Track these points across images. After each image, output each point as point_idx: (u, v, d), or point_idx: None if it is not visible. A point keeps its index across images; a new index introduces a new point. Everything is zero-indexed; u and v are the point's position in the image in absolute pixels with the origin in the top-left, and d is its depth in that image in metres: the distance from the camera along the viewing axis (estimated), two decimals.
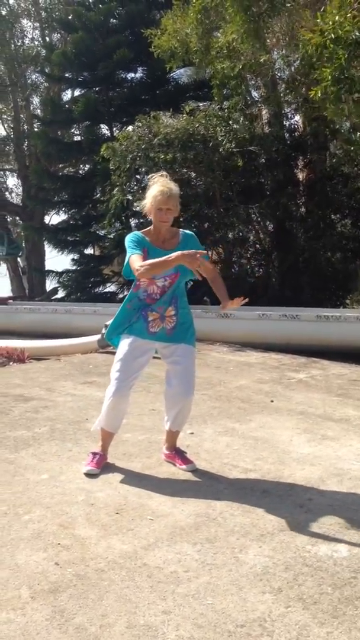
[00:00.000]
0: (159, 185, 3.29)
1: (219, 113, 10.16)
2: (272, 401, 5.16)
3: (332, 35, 6.07)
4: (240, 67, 8.86)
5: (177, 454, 3.60)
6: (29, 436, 4.11)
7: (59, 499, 3.07)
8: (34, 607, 2.17)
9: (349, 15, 6.07)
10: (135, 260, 3.22)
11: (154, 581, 2.34)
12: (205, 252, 3.28)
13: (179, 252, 3.10)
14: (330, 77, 6.17)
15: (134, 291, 3.42)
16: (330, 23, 6.13)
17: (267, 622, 2.09)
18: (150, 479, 3.38)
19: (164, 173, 3.45)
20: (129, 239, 3.36)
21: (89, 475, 3.37)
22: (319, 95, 6.37)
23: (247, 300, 3.25)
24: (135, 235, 3.37)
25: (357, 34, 5.98)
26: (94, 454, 3.51)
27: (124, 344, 3.38)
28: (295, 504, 3.05)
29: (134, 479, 3.37)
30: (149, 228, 3.42)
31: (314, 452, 3.84)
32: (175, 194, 3.28)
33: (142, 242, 3.33)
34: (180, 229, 3.50)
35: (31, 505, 3.00)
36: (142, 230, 3.43)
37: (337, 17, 6.11)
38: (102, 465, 3.47)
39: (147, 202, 3.30)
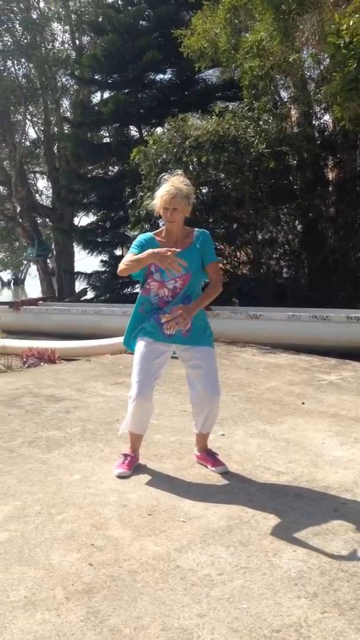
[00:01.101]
0: (167, 184, 3.29)
1: (249, 114, 10.11)
2: (303, 403, 5.12)
3: (346, 40, 6.00)
4: (270, 66, 8.80)
5: (208, 456, 3.58)
6: (60, 436, 4.13)
7: (92, 500, 3.09)
8: (69, 607, 2.18)
9: None
10: (124, 259, 3.30)
11: (188, 584, 2.33)
12: (218, 260, 3.34)
13: (150, 250, 3.14)
14: (340, 81, 6.11)
15: (144, 295, 3.41)
16: (345, 27, 6.05)
17: (303, 627, 2.07)
18: (182, 480, 3.37)
19: (179, 172, 3.44)
20: (138, 240, 3.38)
21: (121, 477, 3.38)
22: (330, 92, 6.32)
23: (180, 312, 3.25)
24: (142, 237, 3.38)
25: None
26: (125, 455, 3.51)
27: (140, 346, 3.38)
28: (329, 508, 3.01)
29: (165, 480, 3.37)
30: (161, 229, 3.42)
31: (347, 456, 3.79)
32: (184, 193, 3.26)
33: (148, 244, 3.32)
34: (195, 228, 3.46)
35: (64, 506, 3.02)
36: (155, 232, 3.43)
37: (351, 22, 6.03)
38: (134, 467, 3.47)
39: (154, 202, 3.32)
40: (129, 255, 3.30)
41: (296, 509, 3.00)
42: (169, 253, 3.09)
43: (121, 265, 3.30)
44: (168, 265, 3.10)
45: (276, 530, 2.77)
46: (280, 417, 4.68)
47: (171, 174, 3.39)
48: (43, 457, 3.72)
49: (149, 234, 3.42)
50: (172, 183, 3.29)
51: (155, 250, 3.14)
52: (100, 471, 3.49)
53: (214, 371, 3.41)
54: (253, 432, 4.25)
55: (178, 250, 3.18)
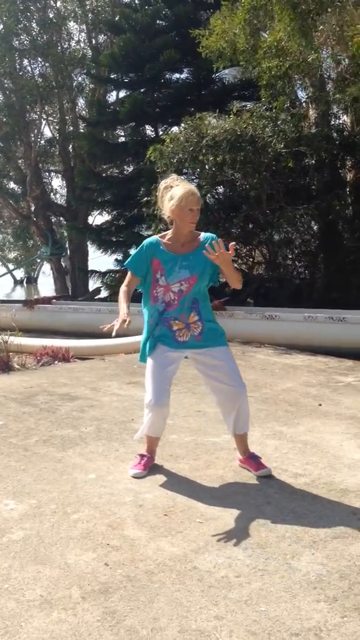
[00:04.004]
0: (185, 185, 3.26)
1: (266, 113, 10.05)
2: (320, 405, 5.07)
3: None
4: (288, 66, 8.75)
5: (250, 459, 3.49)
6: (75, 435, 4.12)
7: (107, 499, 3.06)
8: (85, 607, 2.16)
9: None
10: (126, 279, 3.40)
11: (205, 585, 2.30)
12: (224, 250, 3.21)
13: (120, 313, 3.18)
14: None
15: (152, 305, 3.36)
16: None
17: (322, 631, 2.03)
18: (198, 481, 3.34)
19: (174, 175, 3.43)
20: (140, 246, 3.38)
21: (136, 477, 3.35)
22: (356, 93, 6.25)
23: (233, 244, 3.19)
24: (146, 243, 3.35)
25: None
26: (142, 456, 3.48)
27: (153, 354, 3.34)
28: (348, 511, 2.97)
29: (181, 480, 3.34)
30: (166, 232, 3.38)
31: None
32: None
33: (151, 253, 3.30)
34: (202, 232, 3.42)
35: (79, 505, 3.00)
36: (161, 234, 3.40)
37: None
38: (149, 467, 3.45)
39: (173, 204, 3.22)
40: (127, 279, 3.38)
41: (314, 511, 2.96)
42: (126, 322, 3.12)
43: (121, 287, 3.39)
44: (113, 326, 3.15)
45: (294, 532, 2.73)
46: (297, 418, 4.64)
47: (167, 178, 3.38)
48: (58, 456, 3.71)
49: (155, 238, 3.38)
50: (188, 184, 3.27)
51: (125, 318, 3.15)
52: (116, 471, 3.47)
53: (235, 368, 3.37)
54: (269, 434, 4.21)
55: (129, 321, 3.18)
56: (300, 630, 2.04)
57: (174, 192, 3.25)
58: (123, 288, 3.36)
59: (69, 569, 2.41)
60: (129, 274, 3.39)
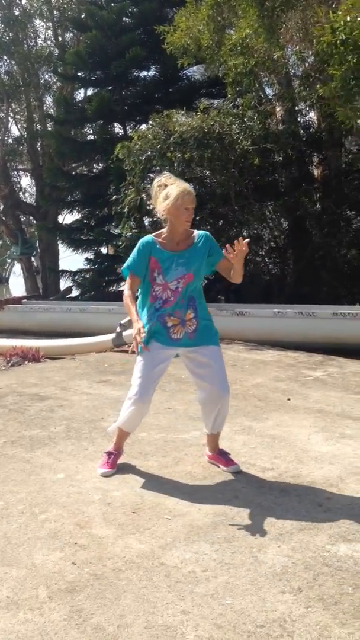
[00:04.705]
0: (180, 184, 3.25)
1: (233, 110, 10.10)
2: (288, 399, 5.12)
3: (343, 36, 5.98)
4: (254, 63, 8.79)
5: (220, 456, 3.54)
6: (44, 435, 4.10)
7: (76, 498, 3.06)
8: (52, 607, 2.16)
9: (358, 18, 5.96)
10: (127, 282, 3.34)
11: (172, 581, 2.32)
12: (221, 251, 3.32)
13: (136, 325, 3.14)
14: (340, 79, 6.09)
15: (151, 303, 3.34)
16: (342, 23, 6.04)
17: (287, 622, 2.06)
18: (166, 477, 3.35)
19: (167, 173, 3.42)
20: (136, 247, 3.34)
21: (105, 476, 3.35)
22: (327, 93, 6.32)
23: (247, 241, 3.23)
24: (141, 243, 3.32)
25: None
26: (109, 454, 3.48)
27: (145, 351, 3.33)
28: (314, 503, 3.01)
29: (150, 478, 3.35)
30: (161, 230, 3.37)
31: (332, 451, 3.80)
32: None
33: (148, 251, 3.29)
34: (195, 230, 3.44)
35: (47, 505, 2.99)
36: (155, 233, 3.38)
37: (348, 18, 6.02)
38: (118, 464, 3.45)
39: (168, 202, 3.21)
40: (128, 282, 3.32)
41: (281, 504, 3.00)
42: (142, 334, 3.12)
43: (125, 292, 3.31)
44: (132, 338, 3.15)
45: (261, 526, 2.76)
46: (266, 413, 4.68)
47: (160, 176, 3.37)
48: (27, 457, 3.69)
49: (149, 238, 3.35)
50: (183, 183, 3.27)
51: (140, 326, 3.13)
52: (85, 470, 3.47)
53: (223, 370, 3.39)
54: (238, 429, 4.24)
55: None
56: (265, 622, 2.06)
57: (169, 191, 3.23)
58: (128, 292, 3.30)
59: (35, 569, 2.41)
60: (129, 277, 3.33)
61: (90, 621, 2.07)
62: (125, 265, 3.36)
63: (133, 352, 3.26)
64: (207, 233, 3.40)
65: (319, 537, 2.65)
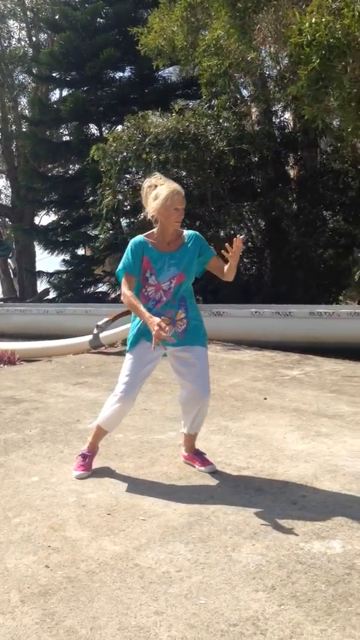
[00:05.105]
0: (170, 185, 3.24)
1: (209, 112, 10.13)
2: (265, 399, 5.14)
3: (309, 37, 6.05)
4: (228, 64, 8.82)
5: (196, 456, 3.54)
6: (19, 438, 4.07)
7: (50, 501, 3.04)
8: (24, 610, 2.14)
9: (324, 19, 6.03)
10: (124, 281, 3.25)
11: (146, 582, 2.31)
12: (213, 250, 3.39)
13: (152, 321, 3.03)
14: (306, 79, 6.16)
15: (144, 303, 3.30)
16: (307, 25, 6.10)
17: (260, 620, 2.06)
18: (142, 478, 3.34)
19: (158, 174, 3.40)
20: (128, 248, 3.30)
21: (80, 478, 3.33)
22: (296, 92, 6.39)
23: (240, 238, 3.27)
24: (133, 245, 3.28)
25: (332, 40, 5.94)
26: (84, 456, 3.45)
27: (134, 349, 3.31)
28: (289, 501, 3.02)
29: (125, 479, 3.34)
30: (152, 231, 3.35)
31: (308, 449, 3.82)
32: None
33: (141, 251, 3.26)
34: (184, 230, 3.42)
35: (21, 508, 2.97)
36: (146, 234, 3.34)
37: (314, 20, 6.09)
38: (93, 465, 3.43)
39: (158, 203, 3.20)
40: (126, 280, 3.24)
41: (256, 503, 3.01)
42: (167, 329, 3.05)
43: (125, 298, 3.22)
44: (156, 338, 3.03)
45: (236, 525, 2.77)
46: (242, 413, 4.69)
47: (151, 176, 3.35)
48: (0, 460, 3.65)
49: (140, 238, 3.31)
50: (173, 183, 3.26)
51: (158, 321, 3.04)
52: (59, 472, 3.44)
53: (207, 371, 3.39)
54: (215, 429, 4.24)
55: (172, 329, 3.21)
56: (239, 621, 2.06)
57: (158, 191, 3.21)
58: (129, 292, 3.21)
59: (8, 573, 2.38)
60: (124, 277, 3.26)
61: (62, 624, 2.06)
62: (119, 267, 3.31)
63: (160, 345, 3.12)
64: (197, 233, 3.41)
65: (293, 535, 2.66)
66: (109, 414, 3.32)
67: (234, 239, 3.23)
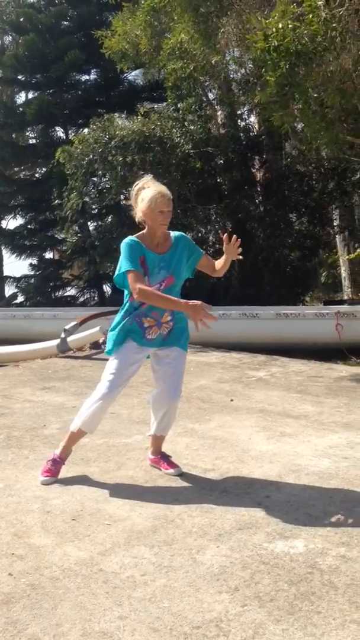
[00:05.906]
0: (156, 187, 3.23)
1: (174, 115, 10.17)
2: (231, 400, 5.17)
3: (275, 43, 6.10)
4: (192, 68, 8.86)
5: (162, 459, 3.54)
6: None
7: (14, 508, 3.01)
8: None
9: (289, 25, 6.08)
10: (134, 279, 3.14)
11: (110, 587, 2.31)
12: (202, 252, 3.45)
13: (190, 303, 3.04)
14: (274, 85, 6.21)
15: (130, 301, 3.30)
16: (274, 30, 6.15)
17: (223, 622, 2.08)
18: (108, 483, 3.34)
19: (149, 176, 3.40)
20: (125, 248, 3.24)
21: (46, 484, 3.31)
22: (264, 99, 6.44)
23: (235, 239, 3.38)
24: (130, 244, 3.24)
25: (299, 45, 6.00)
26: (54, 461, 3.42)
27: (122, 348, 3.29)
28: (254, 502, 3.05)
29: (91, 483, 3.33)
30: (141, 232, 3.33)
31: (273, 450, 3.86)
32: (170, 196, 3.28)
33: (139, 250, 3.23)
34: (171, 231, 3.39)
35: None
36: (136, 235, 3.31)
37: (280, 25, 6.14)
38: (59, 471, 3.41)
39: (144, 206, 3.20)
40: (135, 276, 3.13)
41: (221, 505, 3.02)
42: (206, 310, 3.03)
43: (140, 293, 3.12)
44: (199, 321, 3.02)
45: (201, 527, 2.78)
46: (209, 415, 4.72)
47: (141, 179, 3.34)
48: None
49: (134, 240, 3.27)
50: (159, 186, 3.25)
51: (196, 305, 3.03)
52: (25, 478, 3.42)
53: (181, 374, 3.40)
54: (181, 431, 4.26)
55: (211, 307, 3.15)
56: (202, 623, 2.08)
57: (144, 194, 3.21)
58: (147, 287, 3.13)
59: None
60: (133, 276, 3.15)
61: (25, 632, 2.05)
62: (121, 269, 3.22)
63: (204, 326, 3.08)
64: (183, 234, 3.42)
65: (257, 536, 2.69)
66: (90, 413, 3.28)
67: (232, 237, 3.33)
